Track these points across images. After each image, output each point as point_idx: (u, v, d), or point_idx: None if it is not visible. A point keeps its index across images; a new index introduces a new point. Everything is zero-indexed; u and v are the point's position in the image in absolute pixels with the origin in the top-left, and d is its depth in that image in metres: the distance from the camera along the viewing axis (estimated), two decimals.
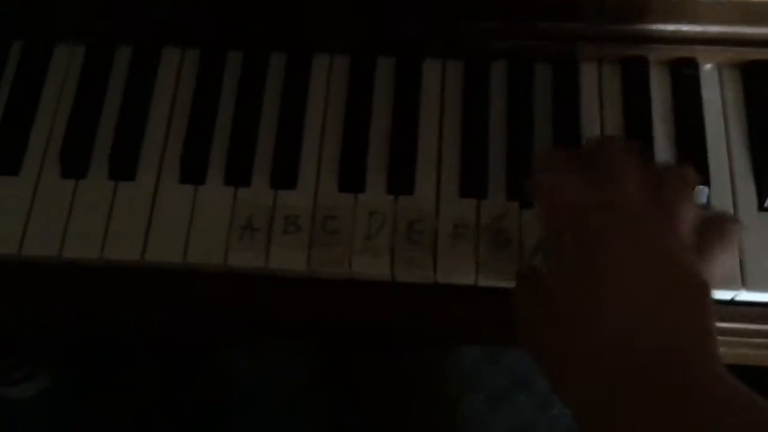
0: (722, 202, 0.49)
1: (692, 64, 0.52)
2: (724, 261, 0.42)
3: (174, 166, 0.51)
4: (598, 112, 0.52)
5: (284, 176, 0.51)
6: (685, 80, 0.52)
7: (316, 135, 0.52)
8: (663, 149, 0.51)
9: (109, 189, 0.51)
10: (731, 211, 0.49)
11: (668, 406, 0.35)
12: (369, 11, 0.52)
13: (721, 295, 0.47)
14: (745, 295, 0.48)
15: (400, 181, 0.50)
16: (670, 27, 0.51)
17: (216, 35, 0.54)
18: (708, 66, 0.53)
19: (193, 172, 0.51)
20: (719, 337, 0.47)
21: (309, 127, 0.52)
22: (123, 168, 0.51)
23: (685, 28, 0.51)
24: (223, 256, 0.49)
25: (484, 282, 0.48)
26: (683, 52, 0.52)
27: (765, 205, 0.49)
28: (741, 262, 0.48)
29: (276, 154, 0.51)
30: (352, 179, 0.51)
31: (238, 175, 0.51)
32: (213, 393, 0.96)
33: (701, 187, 0.48)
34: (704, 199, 0.49)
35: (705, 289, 0.39)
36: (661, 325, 0.37)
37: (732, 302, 0.48)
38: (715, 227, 0.42)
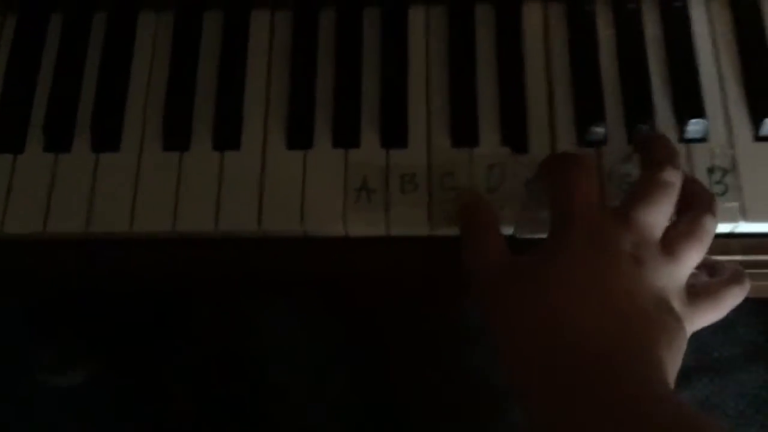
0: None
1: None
2: (711, 319, 0.43)
3: (280, 131, 0.50)
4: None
5: (395, 134, 0.49)
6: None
7: (422, 89, 0.51)
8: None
9: (217, 159, 0.49)
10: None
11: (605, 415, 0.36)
12: None
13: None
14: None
15: (515, 135, 0.49)
16: None
17: None
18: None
19: (300, 137, 0.50)
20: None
21: (414, 81, 0.51)
22: (228, 137, 0.50)
23: None
24: (342, 221, 0.48)
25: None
26: None
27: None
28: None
29: (383, 112, 0.50)
30: (465, 134, 0.49)
31: (347, 137, 0.49)
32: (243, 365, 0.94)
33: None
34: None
35: (678, 336, 0.40)
36: (628, 350, 0.38)
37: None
38: (712, 293, 0.43)
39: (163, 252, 0.49)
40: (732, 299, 0.43)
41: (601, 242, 0.41)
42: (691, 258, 0.42)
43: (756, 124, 0.49)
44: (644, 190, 0.42)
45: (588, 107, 0.49)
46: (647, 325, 0.39)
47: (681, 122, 0.49)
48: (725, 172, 0.48)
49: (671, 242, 0.42)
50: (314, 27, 0.52)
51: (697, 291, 0.43)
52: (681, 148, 0.48)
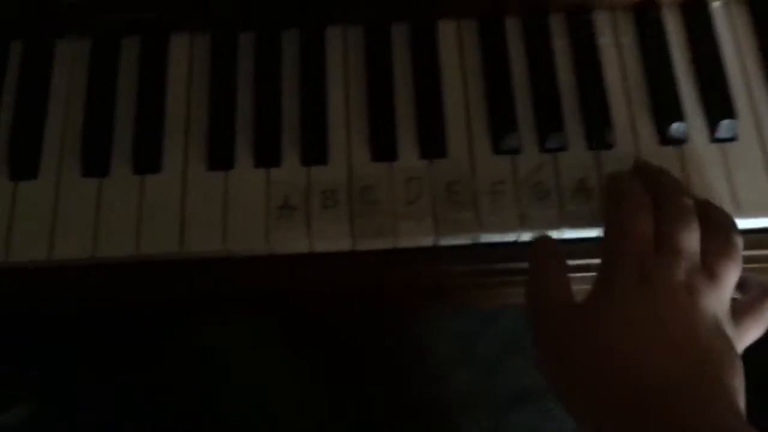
0: (747, 135, 0.51)
1: (702, 4, 0.53)
2: (756, 332, 0.44)
3: (200, 153, 0.50)
4: (617, 59, 0.53)
5: (315, 152, 0.50)
6: (697, 20, 0.53)
7: (341, 107, 0.51)
8: (685, 91, 0.52)
9: (137, 183, 0.49)
10: (761, 140, 0.50)
11: None
12: None
13: (760, 222, 0.49)
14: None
15: (433, 145, 0.50)
16: None
17: (227, 16, 0.53)
18: (716, 3, 0.54)
19: (221, 158, 0.50)
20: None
21: (332, 100, 0.52)
22: (148, 161, 0.50)
23: None
24: (264, 239, 0.48)
25: (526, 236, 0.49)
26: None
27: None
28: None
29: (303, 131, 0.51)
30: (384, 148, 0.50)
31: (267, 157, 0.50)
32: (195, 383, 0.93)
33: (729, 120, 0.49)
34: (730, 133, 0.50)
35: (736, 359, 0.40)
36: (695, 382, 0.38)
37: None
38: (754, 305, 0.44)
39: (85, 278, 0.49)
40: (766, 309, 0.44)
41: (656, 277, 0.41)
42: (731, 278, 0.42)
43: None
44: (680, 218, 0.43)
45: (502, 118, 0.51)
46: (711, 355, 0.39)
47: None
48: None
49: (711, 265, 0.42)
50: (233, 49, 0.53)
51: (739, 310, 0.43)
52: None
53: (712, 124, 0.50)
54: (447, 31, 0.53)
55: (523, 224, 0.48)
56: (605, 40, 0.53)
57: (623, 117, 0.51)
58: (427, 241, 0.49)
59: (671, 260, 0.41)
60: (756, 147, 0.50)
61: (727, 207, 0.47)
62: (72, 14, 0.52)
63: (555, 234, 0.48)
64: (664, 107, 0.51)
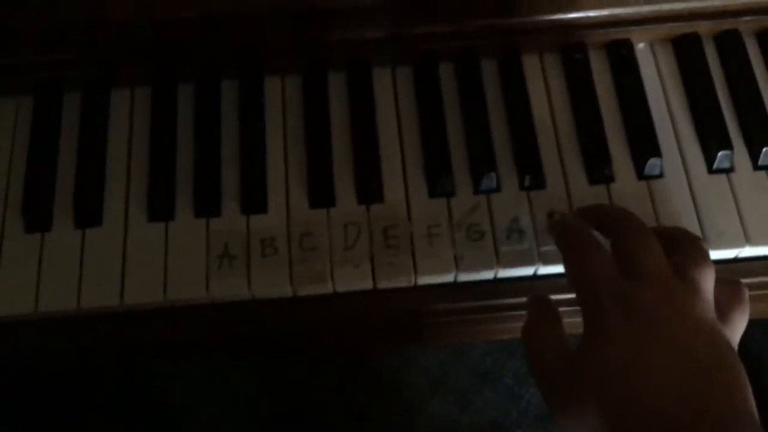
0: (674, 170, 0.52)
1: (627, 45, 0.55)
2: (742, 324, 0.43)
3: (141, 205, 0.51)
4: (546, 101, 0.54)
5: (254, 201, 0.51)
6: (623, 60, 0.55)
7: (279, 155, 0.53)
8: (611, 129, 0.53)
9: (79, 237, 0.50)
10: (683, 176, 0.52)
11: None
12: (318, 29, 0.53)
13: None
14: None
15: (370, 191, 0.51)
16: (605, 12, 0.53)
17: (165, 70, 0.54)
18: (641, 45, 0.56)
19: (161, 209, 0.51)
20: None
21: (271, 148, 0.53)
22: (89, 215, 0.50)
23: (618, 11, 0.53)
24: (205, 288, 0.49)
25: (464, 277, 0.50)
26: (618, 34, 0.55)
27: (714, 167, 0.52)
28: (699, 222, 0.51)
29: (243, 180, 0.52)
30: (322, 195, 0.51)
31: (207, 207, 0.51)
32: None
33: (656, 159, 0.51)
34: (657, 170, 0.51)
35: (734, 354, 0.40)
36: (704, 391, 0.38)
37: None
38: (733, 295, 0.43)
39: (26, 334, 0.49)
40: (745, 296, 0.44)
41: (637, 305, 0.40)
42: (709, 281, 0.42)
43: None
44: (637, 238, 0.43)
45: (436, 162, 0.52)
46: (720, 372, 0.39)
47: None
48: None
49: (686, 274, 0.42)
50: (173, 101, 0.54)
51: (721, 307, 0.42)
52: None
53: (639, 163, 0.52)
54: (382, 78, 0.55)
55: (459, 266, 0.49)
56: (535, 82, 0.55)
57: (553, 157, 0.52)
58: (365, 285, 0.50)
59: (644, 283, 0.41)
60: (683, 183, 0.52)
61: None
62: (12, 73, 0.52)
63: (489, 274, 0.49)
64: (592, 148, 0.52)
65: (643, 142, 0.52)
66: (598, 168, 0.52)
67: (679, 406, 0.37)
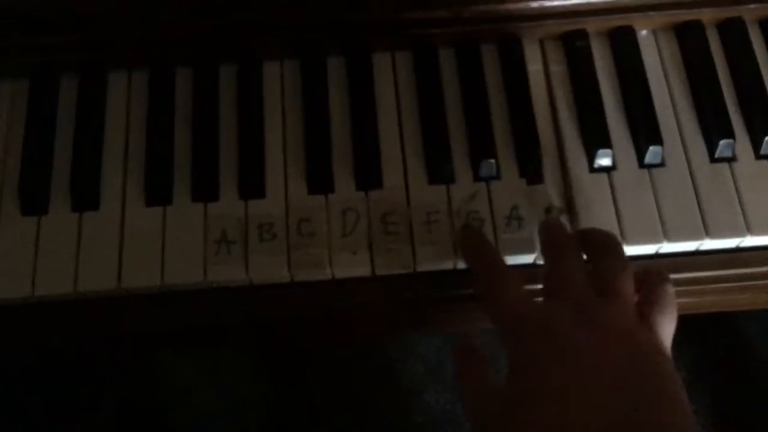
0: (675, 159, 0.52)
1: (630, 32, 0.55)
2: (670, 321, 0.43)
3: (138, 189, 0.51)
4: (546, 88, 0.54)
5: (253, 186, 0.51)
6: (625, 47, 0.54)
7: (278, 141, 0.52)
8: (613, 116, 0.53)
9: (75, 221, 0.50)
10: (685, 164, 0.52)
11: None
12: (316, 13, 0.53)
13: (686, 246, 0.50)
14: (709, 244, 0.50)
15: (369, 177, 0.51)
16: None
17: (163, 53, 0.53)
18: (644, 32, 0.55)
19: (159, 194, 0.50)
20: (688, 287, 0.50)
21: (270, 134, 0.52)
22: (86, 198, 0.50)
23: None
24: (202, 273, 0.49)
25: (463, 264, 0.50)
26: (620, 21, 0.54)
27: (716, 156, 0.52)
28: (701, 212, 0.50)
29: (241, 165, 0.51)
30: (321, 181, 0.51)
31: (205, 191, 0.50)
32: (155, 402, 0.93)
33: (656, 147, 0.51)
34: (658, 159, 0.51)
35: (664, 358, 0.40)
36: (631, 404, 0.38)
37: (697, 252, 0.51)
38: (653, 295, 0.43)
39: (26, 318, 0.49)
40: (671, 295, 0.43)
41: (583, 319, 0.41)
42: (629, 287, 0.42)
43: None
44: (621, 264, 0.43)
45: (436, 148, 0.51)
46: (656, 376, 0.39)
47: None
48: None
49: (606, 284, 0.42)
50: (170, 85, 0.53)
51: (645, 310, 0.42)
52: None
53: (640, 151, 0.51)
54: (381, 63, 0.54)
55: (458, 253, 0.49)
56: (535, 68, 0.54)
57: (553, 145, 0.52)
58: (364, 272, 0.49)
59: (556, 304, 0.42)
60: (685, 171, 0.52)
61: (653, 233, 0.48)
62: (7, 55, 0.52)
63: None
64: (593, 136, 0.52)
65: (645, 130, 0.52)
66: (599, 156, 0.51)
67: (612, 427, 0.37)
